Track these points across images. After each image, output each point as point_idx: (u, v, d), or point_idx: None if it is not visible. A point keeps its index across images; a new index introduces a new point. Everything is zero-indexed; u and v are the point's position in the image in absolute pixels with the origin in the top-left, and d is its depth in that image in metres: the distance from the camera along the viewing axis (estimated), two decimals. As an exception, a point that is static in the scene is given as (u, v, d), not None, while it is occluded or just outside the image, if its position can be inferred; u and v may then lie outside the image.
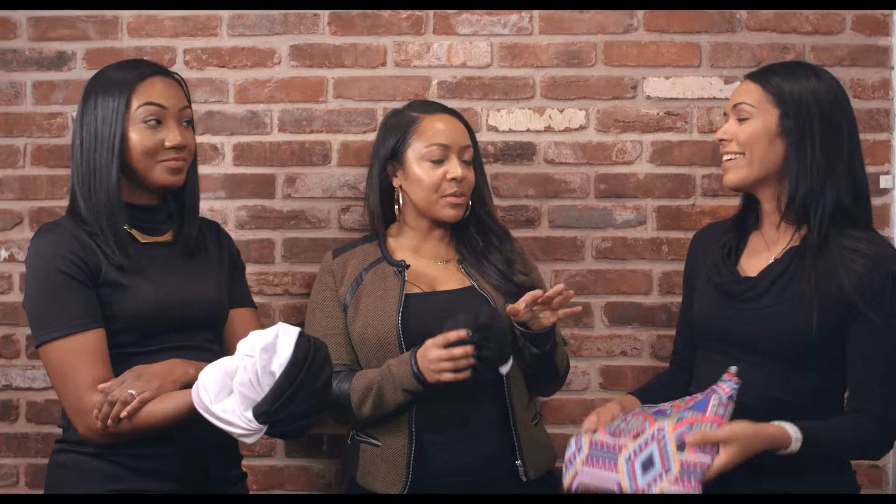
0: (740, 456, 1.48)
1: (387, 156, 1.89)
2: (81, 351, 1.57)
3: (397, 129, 1.89)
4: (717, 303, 1.72)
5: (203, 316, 1.71)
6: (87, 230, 1.64)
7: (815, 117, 1.63)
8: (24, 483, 2.30)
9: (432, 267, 1.89)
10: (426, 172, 1.85)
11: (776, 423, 1.53)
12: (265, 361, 1.45)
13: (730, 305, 1.69)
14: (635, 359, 2.29)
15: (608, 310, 2.30)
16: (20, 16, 2.31)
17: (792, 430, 1.52)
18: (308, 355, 1.47)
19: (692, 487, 1.46)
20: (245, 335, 1.79)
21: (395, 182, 1.90)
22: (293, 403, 1.46)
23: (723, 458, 1.48)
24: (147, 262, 1.67)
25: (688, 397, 1.60)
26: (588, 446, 1.62)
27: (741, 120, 1.68)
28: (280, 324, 1.50)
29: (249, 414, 1.45)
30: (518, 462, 1.80)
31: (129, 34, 2.30)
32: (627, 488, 1.53)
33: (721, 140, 1.71)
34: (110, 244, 1.62)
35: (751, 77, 1.72)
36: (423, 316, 1.80)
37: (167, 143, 1.66)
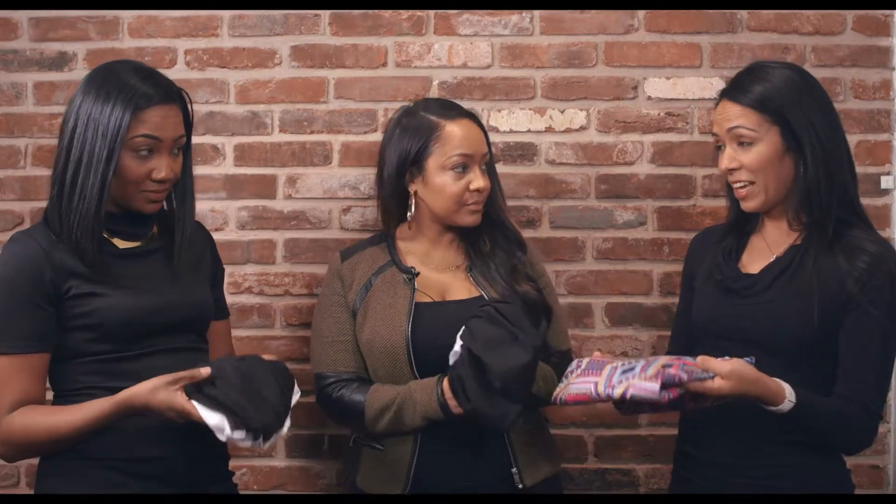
0: (731, 391, 1.49)
1: (406, 162, 1.82)
2: (14, 371, 1.56)
3: (417, 134, 1.82)
4: (718, 300, 1.72)
5: (186, 319, 1.69)
6: (60, 239, 1.59)
7: (805, 108, 1.62)
8: (24, 483, 2.30)
9: (442, 274, 1.87)
10: (448, 183, 1.80)
11: (778, 380, 1.54)
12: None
13: (732, 302, 1.69)
14: (636, 359, 2.29)
15: (609, 310, 2.30)
16: (21, 16, 2.31)
17: (789, 392, 1.53)
18: None
19: (655, 382, 1.46)
20: (220, 350, 1.84)
21: (412, 188, 1.84)
22: None
23: (715, 383, 1.49)
24: (126, 269, 1.64)
25: None
26: (587, 363, 1.64)
27: (742, 144, 1.64)
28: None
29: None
30: (514, 470, 1.78)
31: (130, 35, 2.30)
32: (601, 388, 1.53)
33: (729, 169, 1.66)
34: (85, 256, 1.58)
35: (733, 99, 1.66)
36: (432, 326, 1.77)
37: (154, 176, 1.62)
